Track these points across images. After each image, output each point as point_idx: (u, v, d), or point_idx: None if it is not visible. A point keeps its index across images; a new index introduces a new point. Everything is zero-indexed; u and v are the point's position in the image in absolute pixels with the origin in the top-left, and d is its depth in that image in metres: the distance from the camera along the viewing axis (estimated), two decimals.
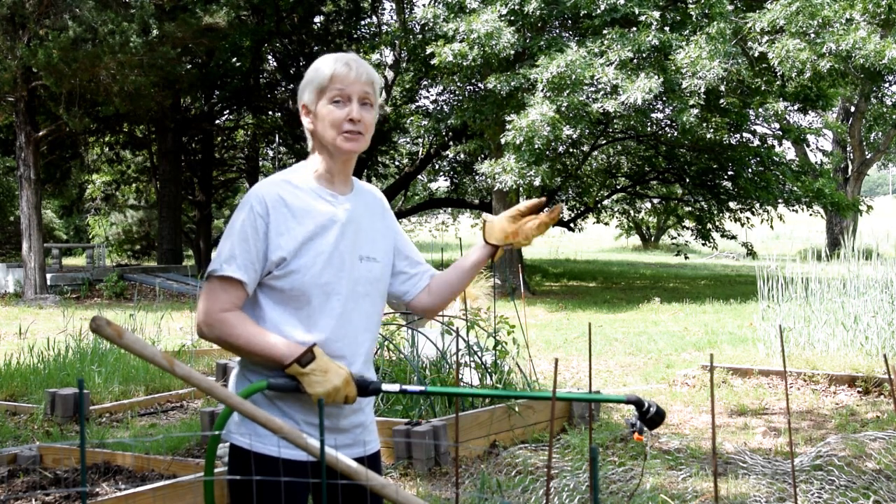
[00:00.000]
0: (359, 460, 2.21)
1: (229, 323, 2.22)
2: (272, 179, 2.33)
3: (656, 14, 14.52)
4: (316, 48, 23.25)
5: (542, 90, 14.37)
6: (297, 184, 2.32)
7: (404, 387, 2.41)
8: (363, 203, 2.41)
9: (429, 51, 15.28)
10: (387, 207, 2.52)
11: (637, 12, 14.55)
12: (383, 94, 22.74)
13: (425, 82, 21.64)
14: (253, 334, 2.21)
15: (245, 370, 2.32)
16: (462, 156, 24.39)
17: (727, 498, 4.59)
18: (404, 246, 2.51)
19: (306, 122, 2.36)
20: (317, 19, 24.03)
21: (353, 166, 2.40)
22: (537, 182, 14.60)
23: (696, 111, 14.58)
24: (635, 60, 14.85)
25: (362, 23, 24.39)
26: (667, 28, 15.00)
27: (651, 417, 2.31)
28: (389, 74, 22.61)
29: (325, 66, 2.31)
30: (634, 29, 14.71)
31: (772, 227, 22.47)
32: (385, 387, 2.33)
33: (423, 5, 17.49)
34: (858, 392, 7.25)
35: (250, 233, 2.23)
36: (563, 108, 14.31)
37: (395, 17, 23.61)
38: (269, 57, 24.69)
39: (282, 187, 2.30)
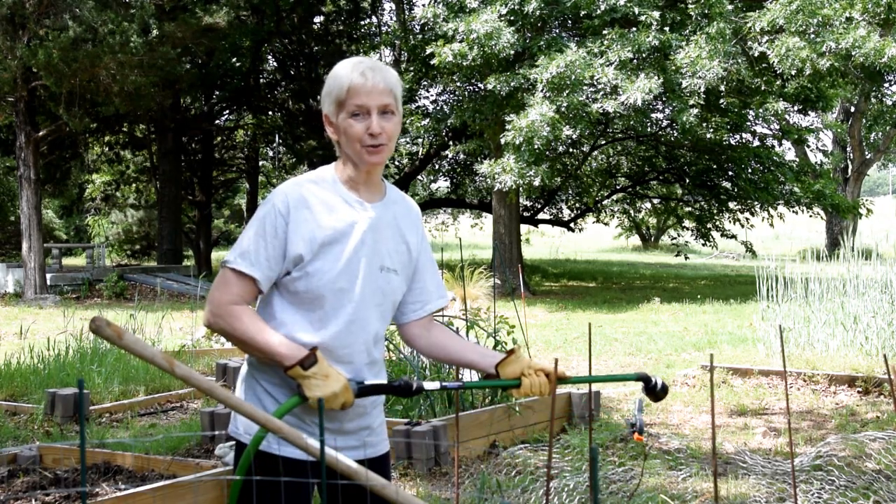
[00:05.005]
0: (360, 463, 2.21)
1: (235, 315, 2.22)
2: (298, 179, 2.32)
3: (656, 14, 14.51)
4: (316, 48, 23.25)
5: (541, 90, 14.36)
6: (324, 186, 2.31)
7: (445, 384, 2.40)
8: (391, 213, 2.38)
9: (429, 51, 15.27)
10: (418, 221, 2.48)
11: (637, 12, 14.55)
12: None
13: (425, 82, 21.64)
14: (257, 331, 2.21)
15: (253, 369, 2.33)
16: (462, 156, 24.40)
17: (727, 498, 4.59)
18: (424, 269, 2.47)
19: (330, 131, 2.34)
20: (317, 19, 24.02)
21: (379, 174, 2.38)
22: (537, 182, 14.60)
23: (695, 111, 14.58)
24: (635, 61, 14.84)
25: (362, 23, 24.39)
26: (667, 28, 15.00)
27: (657, 392, 2.52)
28: None
29: (343, 76, 2.28)
30: (634, 29, 14.71)
31: (772, 225, 22.49)
32: (427, 384, 2.34)
33: (423, 5, 17.49)
34: (858, 392, 7.25)
35: (269, 230, 2.23)
36: (562, 109, 14.30)
37: (394, 18, 23.61)
38: (269, 57, 24.69)
39: (307, 188, 2.29)
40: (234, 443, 2.38)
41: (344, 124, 2.28)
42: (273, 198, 2.27)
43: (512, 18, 15.11)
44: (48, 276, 17.78)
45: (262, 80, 24.34)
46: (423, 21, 16.30)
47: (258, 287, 2.25)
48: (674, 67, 14.50)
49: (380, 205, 2.36)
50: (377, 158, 2.29)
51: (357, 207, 2.31)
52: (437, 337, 2.50)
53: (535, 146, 14.15)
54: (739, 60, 14.60)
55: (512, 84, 14.79)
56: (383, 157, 2.31)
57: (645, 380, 2.51)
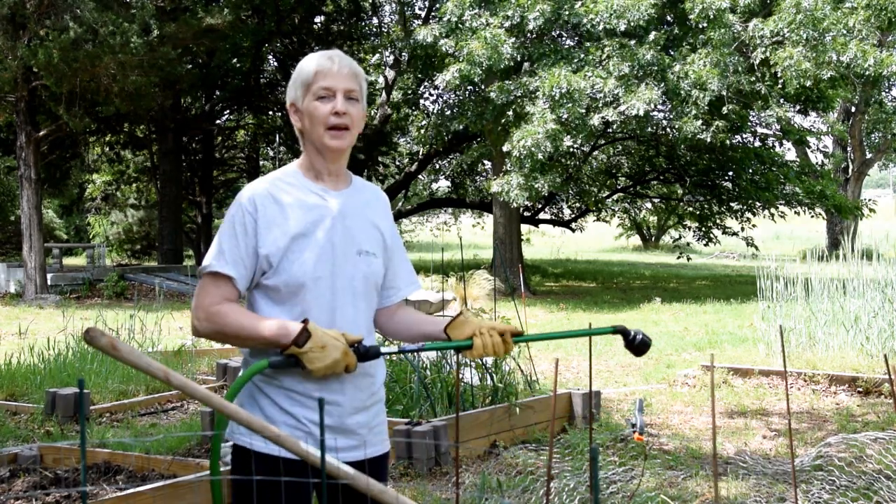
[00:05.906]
0: (360, 462, 2.21)
1: (221, 314, 2.23)
2: (263, 178, 2.36)
3: (655, 35, 14.59)
4: (316, 48, 23.22)
5: (543, 101, 14.37)
6: (288, 181, 2.34)
7: (403, 346, 2.43)
8: (360, 200, 2.40)
9: (437, 78, 15.31)
10: (387, 208, 2.50)
11: (637, 28, 14.54)
12: (384, 94, 22.71)
13: (426, 83, 21.65)
14: (246, 322, 2.23)
15: (249, 359, 2.34)
16: (461, 156, 24.39)
17: (727, 498, 4.59)
18: (395, 254, 2.48)
19: (295, 120, 2.37)
20: (317, 19, 24.04)
21: (345, 163, 2.40)
22: (545, 192, 14.83)
23: (699, 123, 14.52)
24: (637, 73, 14.82)
25: (362, 23, 24.41)
26: (668, 40, 15.04)
27: (637, 345, 2.40)
28: (390, 74, 22.59)
29: (310, 62, 2.33)
30: (633, 42, 14.70)
31: (774, 220, 22.45)
32: (384, 349, 2.33)
33: (423, 19, 17.38)
34: (859, 392, 7.25)
35: (239, 230, 2.26)
36: (563, 119, 14.31)
37: (395, 18, 23.60)
38: (270, 57, 24.71)
39: (272, 184, 2.32)
40: (233, 443, 2.38)
41: (310, 107, 2.31)
42: (240, 198, 2.30)
43: (515, 33, 15.13)
44: (48, 275, 17.77)
45: (262, 80, 24.36)
46: (424, 42, 16.06)
47: (236, 286, 2.26)
48: (675, 78, 14.50)
49: (346, 192, 2.38)
50: (340, 143, 2.31)
51: (323, 195, 2.33)
52: (400, 317, 2.51)
53: (538, 157, 14.19)
54: (740, 69, 14.57)
55: (513, 92, 14.84)
56: (346, 142, 2.33)
57: (623, 332, 2.41)
